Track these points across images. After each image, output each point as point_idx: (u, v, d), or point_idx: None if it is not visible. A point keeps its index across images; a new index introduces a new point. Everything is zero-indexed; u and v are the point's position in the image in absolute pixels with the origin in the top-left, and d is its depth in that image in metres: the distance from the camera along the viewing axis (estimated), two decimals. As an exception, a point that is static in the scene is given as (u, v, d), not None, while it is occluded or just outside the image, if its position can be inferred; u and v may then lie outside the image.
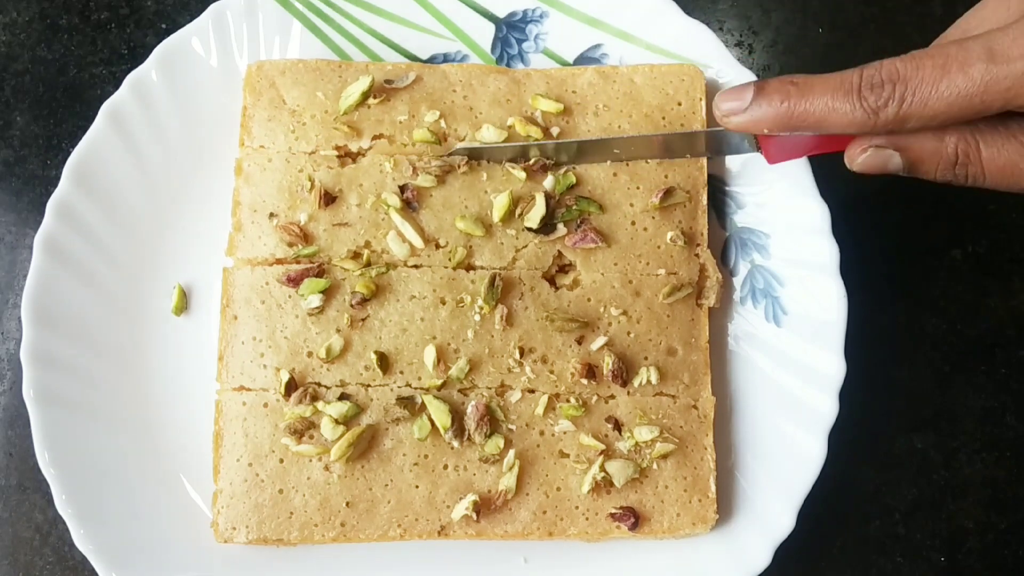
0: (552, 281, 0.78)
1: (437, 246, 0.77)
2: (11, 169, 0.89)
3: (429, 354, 0.75)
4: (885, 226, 0.88)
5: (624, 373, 0.76)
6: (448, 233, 0.77)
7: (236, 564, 0.75)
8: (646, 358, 0.77)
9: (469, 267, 0.77)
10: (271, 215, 0.77)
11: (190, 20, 0.87)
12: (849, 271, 0.77)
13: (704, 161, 0.80)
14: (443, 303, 0.76)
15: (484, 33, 0.84)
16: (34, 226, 0.88)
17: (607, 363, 0.76)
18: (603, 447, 0.75)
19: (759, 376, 0.79)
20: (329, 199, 0.77)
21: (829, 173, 0.78)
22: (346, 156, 0.79)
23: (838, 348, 0.76)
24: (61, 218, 0.78)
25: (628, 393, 0.77)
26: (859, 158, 0.65)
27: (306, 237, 0.76)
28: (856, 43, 0.92)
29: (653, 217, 0.79)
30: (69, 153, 0.86)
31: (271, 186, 0.78)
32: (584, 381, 0.76)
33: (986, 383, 0.86)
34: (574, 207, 0.78)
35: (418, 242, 0.76)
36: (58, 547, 0.82)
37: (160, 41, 0.81)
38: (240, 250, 0.77)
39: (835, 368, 0.76)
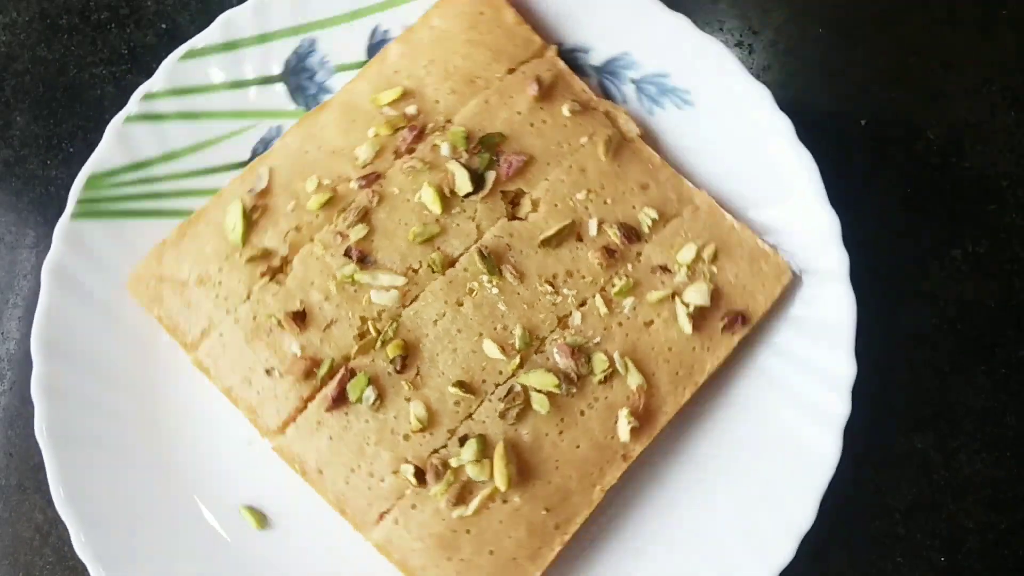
0: (518, 217, 0.78)
1: (414, 270, 0.76)
2: (11, 169, 0.89)
3: (490, 349, 0.75)
4: (885, 227, 0.88)
5: (630, 231, 0.78)
6: (412, 253, 0.76)
7: None
8: (634, 207, 0.79)
9: (453, 263, 0.77)
10: (267, 372, 0.75)
11: (190, 20, 0.88)
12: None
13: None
14: (460, 304, 0.76)
15: (279, 96, 0.84)
16: (34, 226, 0.88)
17: (613, 234, 0.77)
18: (670, 290, 0.77)
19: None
20: (299, 317, 0.75)
21: (829, 173, 0.78)
22: (277, 272, 0.77)
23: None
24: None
25: (647, 241, 0.78)
26: None
27: (313, 361, 0.75)
28: (856, 43, 0.93)
29: (541, 107, 0.80)
30: (69, 153, 0.86)
31: (244, 353, 0.75)
32: (610, 261, 0.77)
33: (986, 383, 0.86)
34: (483, 152, 0.78)
35: (397, 280, 0.76)
36: (58, 547, 0.82)
37: (160, 41, 0.81)
38: (271, 419, 0.75)
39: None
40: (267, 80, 0.83)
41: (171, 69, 0.81)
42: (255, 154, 0.83)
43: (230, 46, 0.82)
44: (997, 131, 0.90)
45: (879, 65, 0.92)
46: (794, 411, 0.78)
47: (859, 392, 0.77)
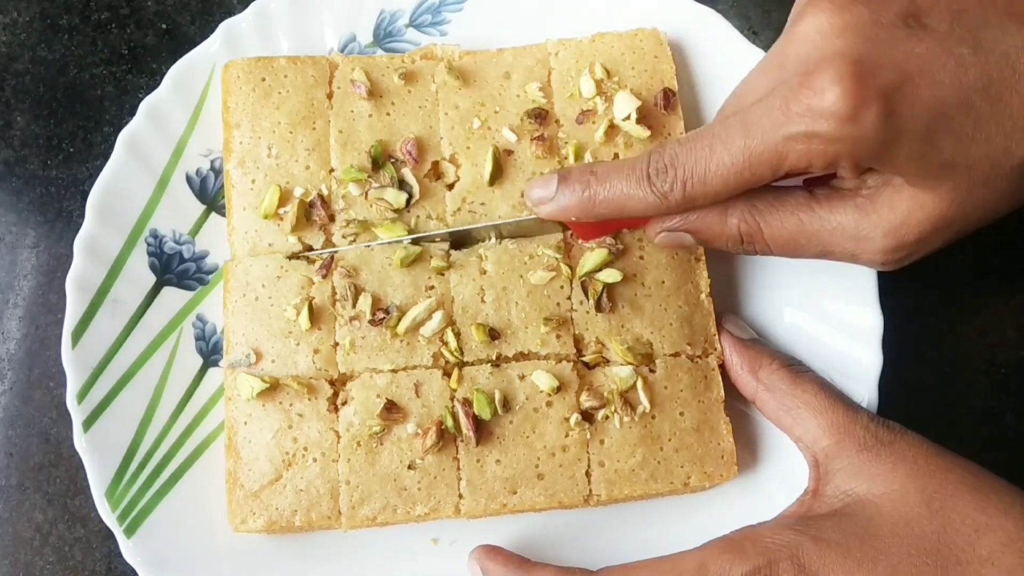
0: (454, 184, 0.78)
1: (429, 287, 0.75)
2: (11, 169, 0.89)
3: (537, 278, 0.75)
4: (885, 226, 0.88)
5: (535, 113, 0.79)
6: (412, 275, 0.75)
7: None
8: (518, 95, 0.80)
9: (449, 258, 0.76)
10: (410, 467, 0.72)
11: (190, 20, 0.88)
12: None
13: None
14: (484, 272, 0.75)
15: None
16: (34, 226, 0.88)
17: (528, 127, 0.79)
18: (607, 119, 0.79)
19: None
20: (393, 409, 0.73)
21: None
22: (336, 401, 0.74)
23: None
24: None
25: (552, 107, 0.80)
26: (656, 239, 0.71)
27: (436, 424, 0.72)
28: (856, 43, 0.92)
29: (381, 97, 0.80)
30: (69, 153, 0.86)
31: (376, 468, 0.72)
32: (545, 144, 0.78)
33: (986, 383, 0.86)
34: (383, 167, 0.77)
35: (427, 301, 0.74)
36: (58, 547, 0.82)
37: (160, 41, 0.81)
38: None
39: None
40: None
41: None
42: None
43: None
44: (997, 131, 0.90)
45: (879, 65, 0.92)
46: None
47: (859, 392, 0.77)
